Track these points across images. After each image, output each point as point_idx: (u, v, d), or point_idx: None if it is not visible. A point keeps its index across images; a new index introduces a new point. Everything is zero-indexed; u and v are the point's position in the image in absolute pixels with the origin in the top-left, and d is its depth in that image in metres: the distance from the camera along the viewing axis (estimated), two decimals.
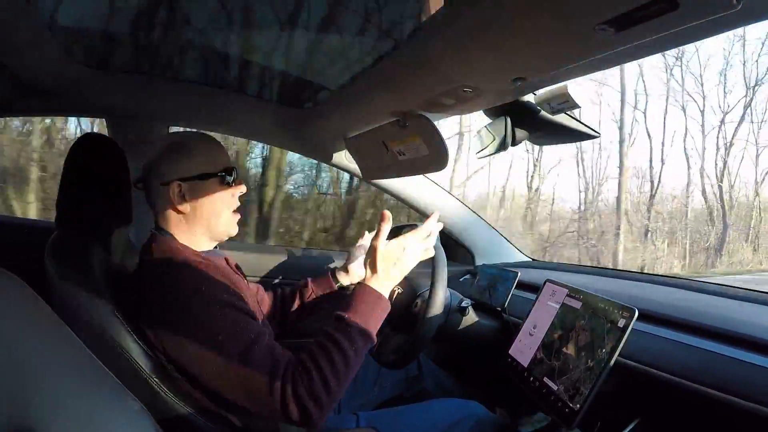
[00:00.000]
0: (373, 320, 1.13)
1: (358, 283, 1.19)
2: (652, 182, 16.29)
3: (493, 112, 1.44)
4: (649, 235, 15.31)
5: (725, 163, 16.23)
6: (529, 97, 1.31)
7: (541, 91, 1.23)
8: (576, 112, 1.30)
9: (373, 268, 1.20)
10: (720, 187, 16.10)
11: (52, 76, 1.53)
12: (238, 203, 1.30)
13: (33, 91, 1.61)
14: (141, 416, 0.75)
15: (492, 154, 1.52)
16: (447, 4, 0.85)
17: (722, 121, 16.29)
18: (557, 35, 0.79)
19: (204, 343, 1.02)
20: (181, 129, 1.94)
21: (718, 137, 16.37)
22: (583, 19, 0.70)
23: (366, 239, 1.68)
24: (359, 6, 1.29)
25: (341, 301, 1.16)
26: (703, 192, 16.40)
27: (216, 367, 1.02)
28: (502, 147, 1.45)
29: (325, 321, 1.14)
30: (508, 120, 1.41)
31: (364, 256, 1.54)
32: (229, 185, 1.25)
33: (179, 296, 1.06)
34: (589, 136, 1.41)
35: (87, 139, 1.26)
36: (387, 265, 1.20)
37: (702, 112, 16.44)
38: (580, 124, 1.38)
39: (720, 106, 16.51)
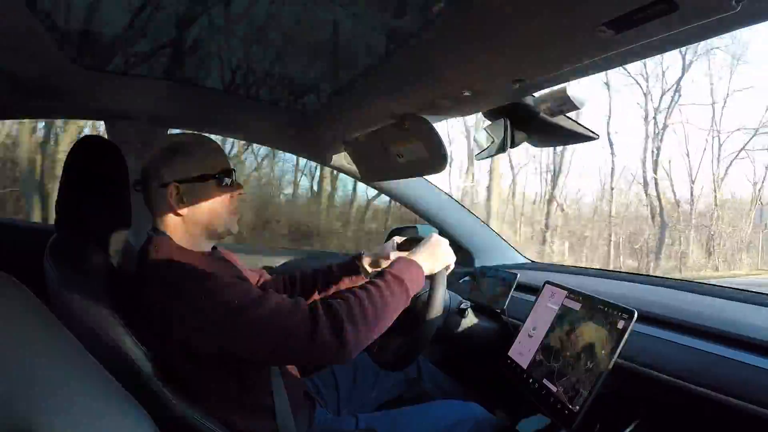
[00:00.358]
0: (407, 275, 1.22)
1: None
2: (554, 172, 14.71)
3: (493, 114, 1.44)
4: (548, 234, 13.76)
5: (659, 150, 14.74)
6: (529, 99, 1.31)
7: (540, 93, 1.23)
8: (576, 113, 1.30)
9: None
10: (655, 180, 14.66)
11: (52, 79, 1.53)
12: (237, 204, 1.30)
13: (32, 93, 1.61)
14: (141, 419, 0.75)
15: (491, 156, 1.52)
16: (447, 7, 0.86)
17: (658, 106, 14.77)
18: (557, 37, 0.79)
19: (222, 312, 1.05)
20: (180, 131, 1.95)
21: (655, 122, 14.85)
22: (583, 21, 0.71)
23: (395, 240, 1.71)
24: (359, 8, 1.29)
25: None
26: (645, 185, 14.89)
27: (242, 326, 1.05)
28: (501, 149, 1.45)
29: None
30: (508, 122, 1.41)
31: (394, 249, 1.63)
32: (227, 187, 1.26)
33: (184, 285, 1.07)
34: (588, 138, 1.41)
35: (86, 141, 1.26)
36: (417, 248, 1.36)
37: (646, 94, 14.99)
38: (580, 126, 1.38)
39: (648, 85, 15.10)
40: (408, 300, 1.21)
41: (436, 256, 1.35)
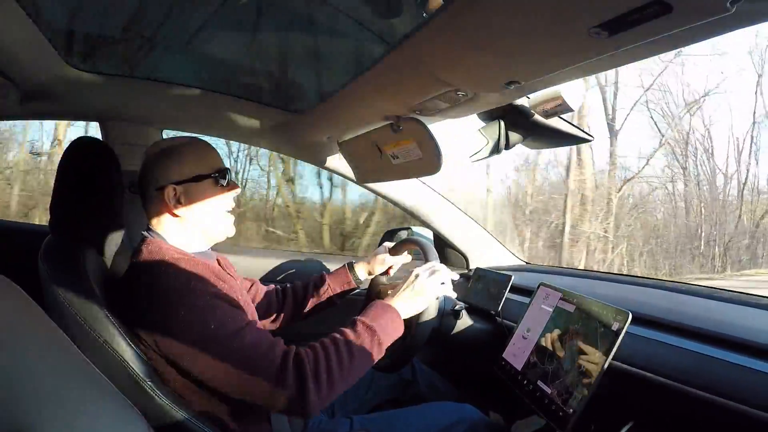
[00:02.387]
0: (382, 324, 1.18)
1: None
2: None
3: (487, 116, 1.44)
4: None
5: None
6: (523, 101, 1.31)
7: (534, 95, 1.23)
8: (570, 115, 1.31)
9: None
10: None
11: (47, 81, 1.53)
12: (233, 204, 1.31)
13: (27, 94, 1.60)
14: (135, 420, 0.75)
15: (486, 158, 1.52)
16: (441, 8, 0.85)
17: None
18: (550, 39, 0.79)
19: (198, 334, 1.04)
20: (175, 132, 1.94)
21: None
22: (577, 23, 0.71)
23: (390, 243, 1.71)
24: (353, 9, 1.29)
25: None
26: None
27: (212, 355, 1.04)
28: (495, 150, 1.45)
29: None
30: (502, 123, 1.41)
31: (386, 253, 1.64)
32: (222, 186, 1.26)
33: (171, 293, 1.07)
34: (582, 140, 1.41)
35: (81, 143, 1.26)
36: (398, 290, 1.31)
37: None
38: (574, 128, 1.38)
39: None
40: (381, 351, 1.18)
41: (418, 297, 1.30)
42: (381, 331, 1.17)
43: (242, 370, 1.03)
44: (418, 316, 1.40)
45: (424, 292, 1.31)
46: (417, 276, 1.33)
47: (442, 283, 1.36)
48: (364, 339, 1.13)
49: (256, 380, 1.03)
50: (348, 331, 1.14)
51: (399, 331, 1.23)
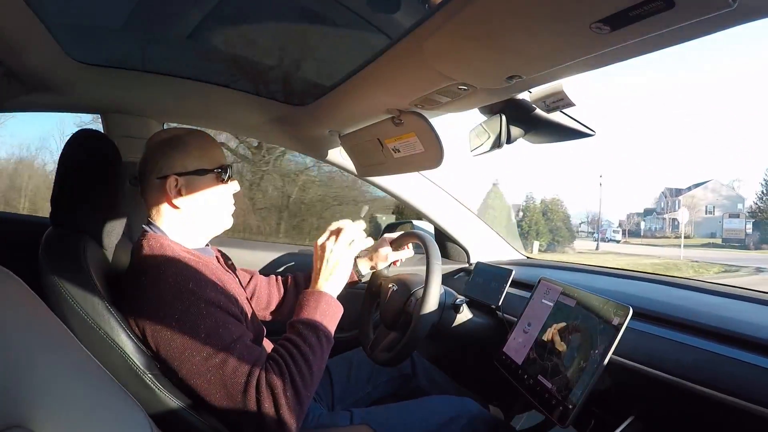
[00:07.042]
0: (318, 317, 1.17)
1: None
2: None
3: (489, 110, 1.44)
4: None
5: None
6: (525, 95, 1.30)
7: (536, 89, 1.23)
8: (572, 109, 1.30)
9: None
10: None
11: (48, 73, 1.53)
12: (233, 200, 1.31)
13: (28, 87, 1.60)
14: (136, 412, 0.75)
15: (487, 152, 1.51)
16: (443, 2, 0.85)
17: None
18: (552, 33, 0.79)
19: (187, 338, 1.05)
20: (175, 125, 1.94)
21: None
22: (579, 18, 0.70)
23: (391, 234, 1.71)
24: (354, 3, 1.28)
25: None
26: None
27: (196, 364, 1.05)
28: (497, 145, 1.45)
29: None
30: (503, 118, 1.41)
31: (387, 246, 1.63)
32: (224, 182, 1.26)
33: (167, 292, 1.08)
34: (584, 134, 1.40)
35: (81, 135, 1.26)
36: (318, 267, 1.28)
37: None
38: (576, 122, 1.37)
39: None
40: (330, 341, 1.18)
41: (338, 268, 1.27)
42: (321, 321, 1.17)
43: (222, 389, 1.04)
44: (419, 310, 1.40)
45: (341, 259, 1.28)
46: (326, 249, 1.29)
47: (352, 242, 1.33)
48: (312, 342, 1.13)
49: (233, 401, 1.04)
50: (296, 339, 1.13)
51: (338, 311, 1.23)
